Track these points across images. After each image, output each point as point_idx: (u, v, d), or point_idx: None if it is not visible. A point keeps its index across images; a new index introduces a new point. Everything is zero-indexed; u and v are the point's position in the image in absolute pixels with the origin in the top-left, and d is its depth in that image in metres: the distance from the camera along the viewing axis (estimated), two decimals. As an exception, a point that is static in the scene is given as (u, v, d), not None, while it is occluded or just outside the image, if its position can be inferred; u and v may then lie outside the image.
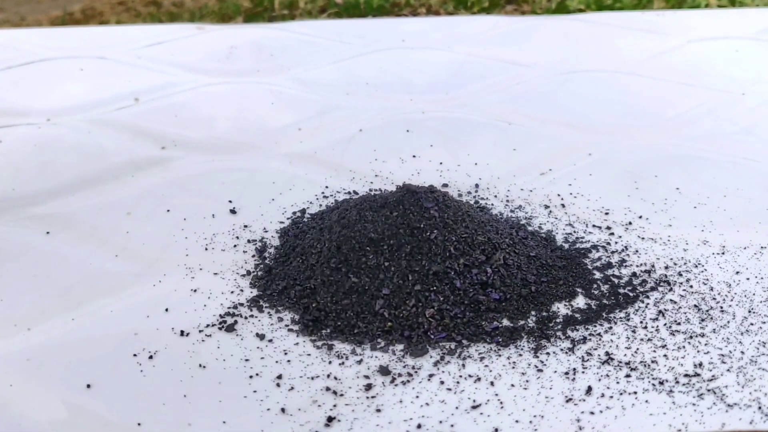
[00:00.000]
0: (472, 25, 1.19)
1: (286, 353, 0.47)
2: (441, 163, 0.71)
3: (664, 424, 0.42)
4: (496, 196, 0.65)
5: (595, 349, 0.47)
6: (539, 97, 0.88)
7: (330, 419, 0.42)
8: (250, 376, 0.45)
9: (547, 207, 0.64)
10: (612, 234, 0.59)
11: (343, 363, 0.46)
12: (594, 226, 0.61)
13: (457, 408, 0.43)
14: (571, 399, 0.43)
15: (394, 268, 0.50)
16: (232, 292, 0.53)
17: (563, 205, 0.64)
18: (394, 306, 0.49)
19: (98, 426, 0.42)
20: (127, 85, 0.92)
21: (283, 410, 0.43)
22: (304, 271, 0.53)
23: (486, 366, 0.46)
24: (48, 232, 0.61)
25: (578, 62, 0.99)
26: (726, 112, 0.84)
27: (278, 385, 0.45)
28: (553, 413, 0.42)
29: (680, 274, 0.54)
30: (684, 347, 0.47)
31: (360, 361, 0.46)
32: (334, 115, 0.83)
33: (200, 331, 0.49)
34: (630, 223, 0.61)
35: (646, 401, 0.43)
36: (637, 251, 0.57)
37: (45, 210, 0.64)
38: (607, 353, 0.47)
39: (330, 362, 0.46)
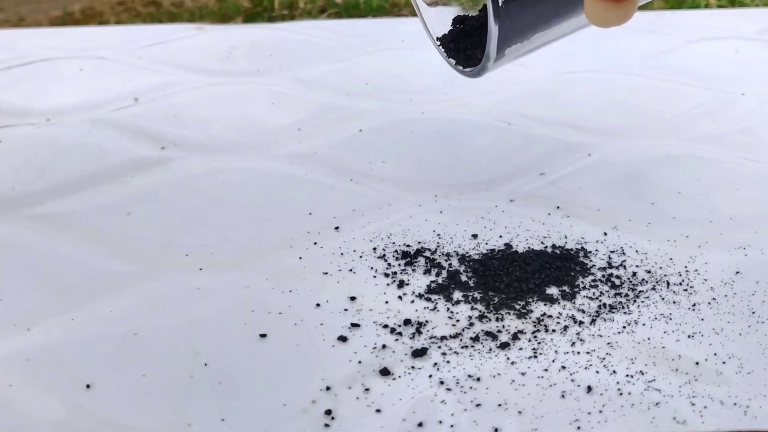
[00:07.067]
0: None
1: (286, 353, 0.47)
2: (440, 164, 0.71)
3: (663, 423, 0.42)
4: (496, 197, 0.65)
5: (596, 349, 0.47)
6: (539, 97, 0.88)
7: (330, 419, 0.42)
8: (251, 376, 0.45)
9: (546, 207, 0.64)
10: (612, 234, 0.59)
11: (343, 363, 0.46)
12: (594, 226, 0.61)
13: (456, 408, 0.43)
14: (571, 398, 0.43)
15: None
16: (232, 292, 0.53)
17: (562, 206, 0.64)
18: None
19: (98, 426, 0.42)
20: (127, 85, 0.92)
21: (283, 410, 0.43)
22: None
23: (486, 366, 0.46)
24: (48, 232, 0.61)
25: (578, 62, 0.99)
26: (726, 112, 0.84)
27: (279, 385, 0.45)
28: (553, 413, 0.42)
29: (680, 274, 0.54)
30: (684, 347, 0.47)
31: (360, 361, 0.46)
32: (334, 115, 0.83)
33: (201, 331, 0.49)
34: (630, 222, 0.61)
35: (647, 401, 0.43)
36: (637, 251, 0.57)
37: (45, 210, 0.64)
38: (607, 353, 0.47)
39: (330, 362, 0.46)
